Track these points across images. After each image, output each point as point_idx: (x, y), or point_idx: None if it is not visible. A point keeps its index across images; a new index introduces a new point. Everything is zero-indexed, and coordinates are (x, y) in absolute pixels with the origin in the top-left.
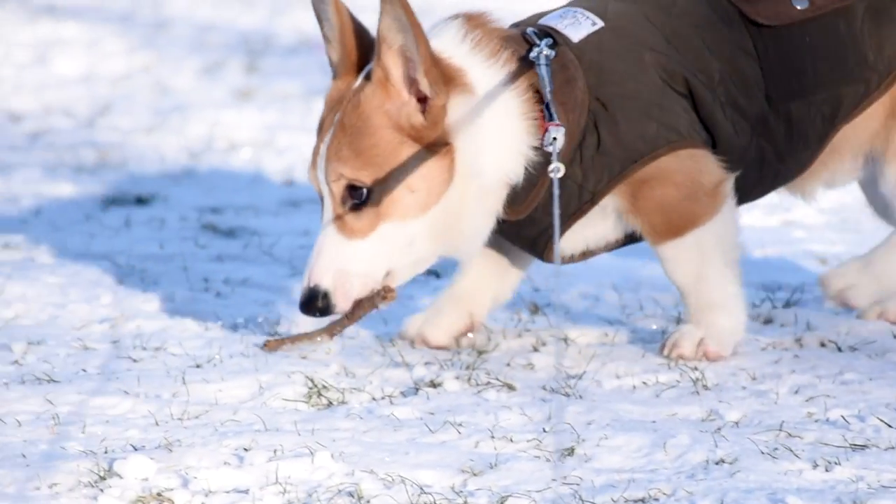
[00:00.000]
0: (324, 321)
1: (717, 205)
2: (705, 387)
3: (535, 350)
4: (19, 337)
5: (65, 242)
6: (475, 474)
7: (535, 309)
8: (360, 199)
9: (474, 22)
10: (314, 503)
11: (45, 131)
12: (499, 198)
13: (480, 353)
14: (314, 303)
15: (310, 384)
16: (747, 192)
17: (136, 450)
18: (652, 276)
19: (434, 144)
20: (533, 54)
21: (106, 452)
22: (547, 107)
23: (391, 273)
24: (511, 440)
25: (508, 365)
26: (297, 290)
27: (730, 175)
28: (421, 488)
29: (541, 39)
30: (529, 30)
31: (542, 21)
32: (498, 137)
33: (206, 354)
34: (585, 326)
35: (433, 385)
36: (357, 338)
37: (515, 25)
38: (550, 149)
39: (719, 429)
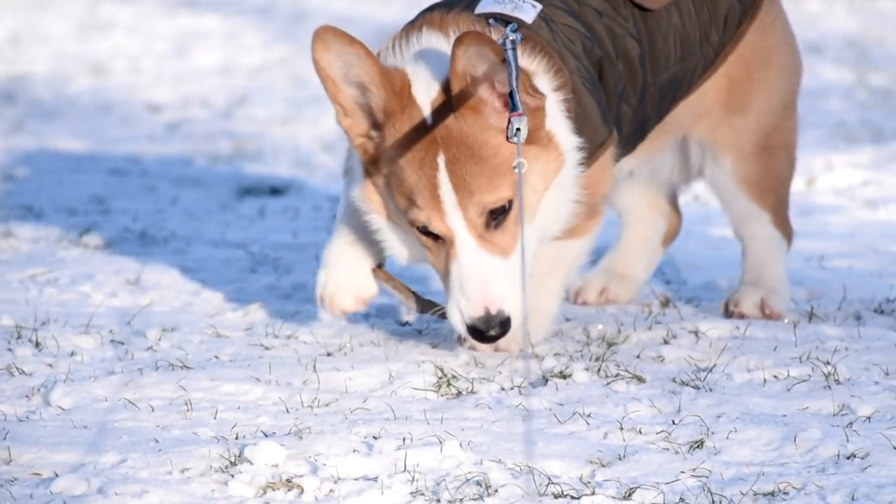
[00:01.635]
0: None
1: (597, 221)
2: (837, 381)
3: (666, 342)
4: (154, 324)
5: (200, 231)
6: (603, 465)
7: (666, 301)
8: (501, 214)
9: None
10: (442, 492)
11: (183, 122)
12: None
13: (610, 344)
14: (495, 330)
15: (439, 374)
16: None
17: (266, 436)
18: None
19: (539, 142)
20: (500, 40)
21: (237, 438)
22: (511, 94)
23: (530, 278)
24: (640, 432)
25: (638, 357)
26: (464, 314)
27: (614, 185)
28: (549, 478)
29: (500, 25)
30: (492, 21)
31: (481, 9)
32: (559, 119)
33: (337, 343)
34: (716, 319)
35: (562, 376)
36: None
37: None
38: (514, 140)
39: (851, 423)
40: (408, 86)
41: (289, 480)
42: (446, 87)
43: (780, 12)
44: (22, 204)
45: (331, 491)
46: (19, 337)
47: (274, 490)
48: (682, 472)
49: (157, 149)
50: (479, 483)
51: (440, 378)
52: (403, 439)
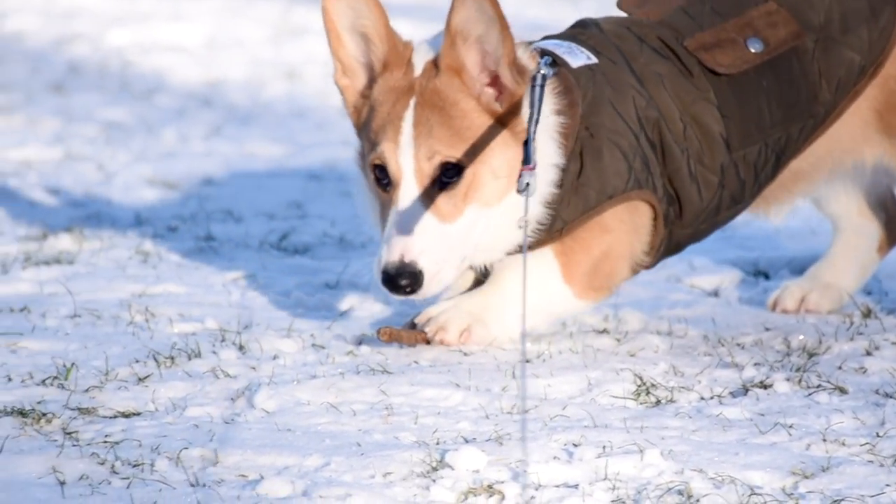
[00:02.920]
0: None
1: (601, 289)
2: None
3: (868, 353)
4: (353, 328)
5: None
6: (806, 477)
7: (868, 312)
8: (451, 178)
9: None
10: (644, 500)
11: None
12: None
13: (811, 355)
14: (404, 279)
15: (638, 382)
16: (699, 237)
17: (467, 442)
18: None
19: (514, 131)
20: (532, 71)
21: (438, 444)
22: (526, 144)
23: (463, 262)
24: (843, 444)
25: (840, 368)
26: (381, 259)
27: (638, 269)
28: (751, 489)
29: (541, 57)
30: (533, 47)
31: (538, 45)
32: (547, 134)
33: (536, 350)
34: None
35: (763, 386)
36: (685, 337)
37: None
38: (523, 194)
39: None
40: (410, 51)
41: (490, 486)
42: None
43: None
44: (222, 208)
45: (532, 498)
46: (223, 340)
47: (475, 496)
48: (888, 485)
49: (352, 154)
50: (680, 492)
51: (639, 386)
52: (603, 447)
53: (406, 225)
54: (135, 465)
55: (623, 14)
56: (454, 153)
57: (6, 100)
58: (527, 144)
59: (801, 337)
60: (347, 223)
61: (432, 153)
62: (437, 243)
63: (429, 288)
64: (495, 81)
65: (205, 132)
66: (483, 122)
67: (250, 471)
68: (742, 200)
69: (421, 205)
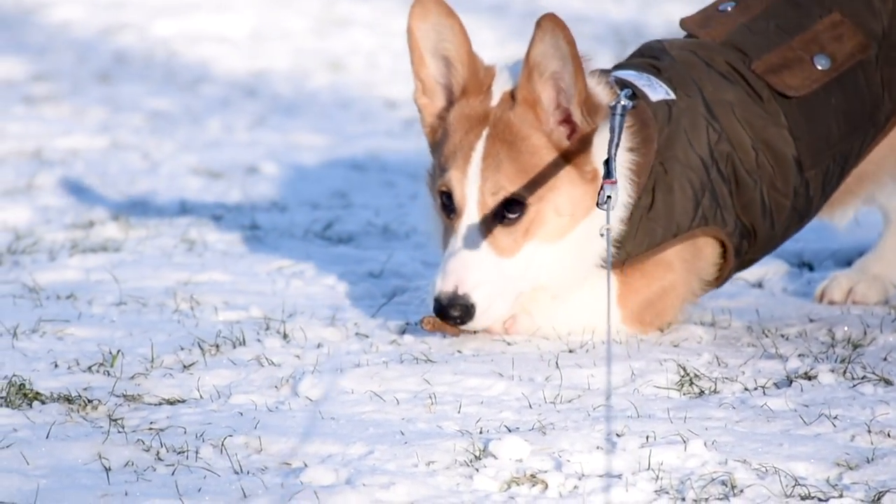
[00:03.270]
0: None
1: (648, 325)
2: None
3: None
4: (397, 317)
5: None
6: (851, 468)
7: None
8: (514, 213)
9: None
10: (687, 490)
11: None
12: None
13: (856, 346)
14: (455, 311)
15: (682, 372)
16: (768, 253)
17: (510, 431)
18: None
19: (582, 170)
20: (612, 102)
21: (481, 433)
22: (606, 162)
23: (518, 298)
24: (888, 435)
25: (885, 359)
26: (435, 287)
27: (692, 302)
28: (795, 480)
29: (620, 89)
30: (612, 77)
31: (617, 74)
32: (619, 169)
33: (579, 340)
34: None
35: (807, 377)
36: (729, 328)
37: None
38: (604, 208)
39: None
40: (491, 77)
41: (533, 476)
42: None
43: None
44: (267, 197)
45: (575, 487)
46: (268, 328)
47: (518, 485)
48: None
49: (395, 144)
50: (724, 483)
51: (682, 377)
52: (647, 437)
53: (463, 256)
54: (179, 452)
55: (684, 33)
56: (519, 190)
57: (53, 89)
58: (608, 162)
59: (846, 328)
60: (391, 213)
61: (497, 188)
62: (492, 278)
63: (479, 321)
64: (568, 119)
65: (249, 122)
66: (551, 159)
67: (294, 458)
68: (808, 215)
69: (480, 237)
